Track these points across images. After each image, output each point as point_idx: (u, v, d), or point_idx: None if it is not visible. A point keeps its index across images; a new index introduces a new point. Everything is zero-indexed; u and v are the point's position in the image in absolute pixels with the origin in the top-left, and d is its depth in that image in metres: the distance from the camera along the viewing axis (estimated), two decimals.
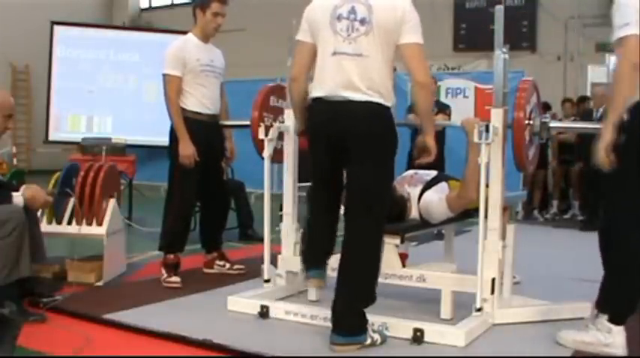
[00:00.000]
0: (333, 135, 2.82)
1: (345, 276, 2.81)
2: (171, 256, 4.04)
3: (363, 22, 2.75)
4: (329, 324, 2.92)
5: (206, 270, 4.32)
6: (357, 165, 2.79)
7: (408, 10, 2.77)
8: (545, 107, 8.09)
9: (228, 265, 4.32)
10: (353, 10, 2.77)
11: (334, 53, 2.79)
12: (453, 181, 3.55)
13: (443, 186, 3.52)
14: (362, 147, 2.76)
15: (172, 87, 3.97)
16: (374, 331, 2.83)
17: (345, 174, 2.91)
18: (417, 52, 2.78)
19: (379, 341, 2.80)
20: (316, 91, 2.87)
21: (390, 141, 2.85)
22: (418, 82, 2.80)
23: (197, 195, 4.20)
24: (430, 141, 2.95)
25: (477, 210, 3.08)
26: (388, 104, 2.81)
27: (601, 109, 7.04)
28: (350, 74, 2.75)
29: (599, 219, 2.96)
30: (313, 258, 3.05)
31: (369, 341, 2.77)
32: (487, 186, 3.08)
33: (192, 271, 4.23)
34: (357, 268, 2.81)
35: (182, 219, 4.12)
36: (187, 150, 3.94)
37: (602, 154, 2.58)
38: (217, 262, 4.32)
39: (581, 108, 8.27)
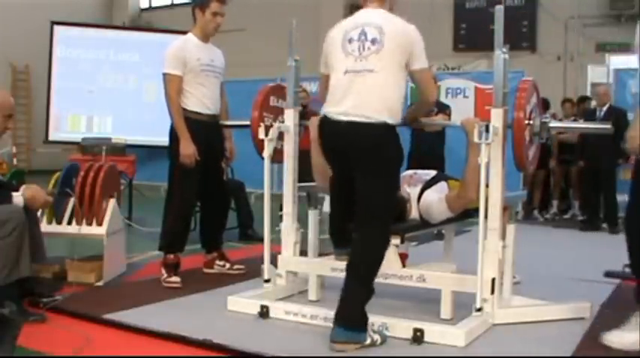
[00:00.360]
0: (337, 150, 3.00)
1: (351, 277, 2.86)
2: (171, 256, 4.04)
3: (374, 41, 2.89)
4: (329, 324, 2.92)
5: (206, 270, 4.32)
6: (361, 178, 2.90)
7: (414, 32, 2.94)
8: (545, 105, 8.11)
9: (228, 265, 4.32)
10: (363, 32, 2.91)
11: (346, 72, 2.93)
12: (453, 181, 3.55)
13: (442, 185, 3.52)
14: (363, 163, 2.89)
15: (173, 86, 3.97)
16: (374, 331, 2.84)
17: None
18: (427, 78, 3.06)
19: (379, 341, 2.82)
20: (326, 108, 3.01)
21: (392, 159, 2.96)
22: (427, 102, 3.18)
23: (197, 195, 4.20)
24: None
25: (476, 210, 3.08)
26: (393, 123, 2.90)
27: (604, 108, 7.04)
28: (359, 93, 2.88)
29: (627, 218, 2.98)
30: (339, 238, 3.31)
31: (368, 341, 2.79)
32: (487, 186, 3.08)
33: (192, 271, 4.23)
34: (363, 270, 2.88)
35: (182, 219, 4.12)
36: (188, 149, 3.94)
37: (635, 142, 2.66)
38: (217, 262, 4.32)
39: (581, 107, 8.27)
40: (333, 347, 2.76)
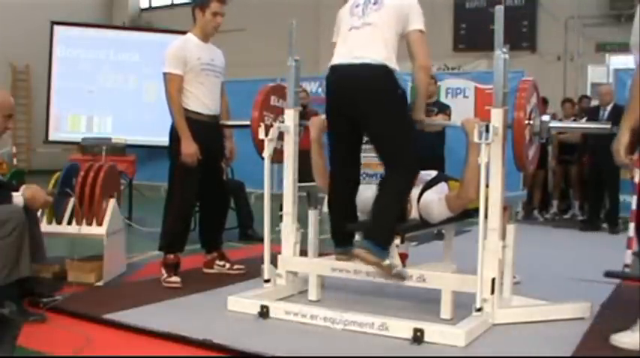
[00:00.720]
0: (343, 98, 3.21)
1: (376, 208, 3.18)
2: (172, 256, 4.03)
3: (375, 2, 3.25)
4: (329, 324, 2.95)
5: (206, 270, 4.31)
6: (374, 122, 3.16)
7: (413, 1, 3.26)
8: (544, 102, 8.10)
9: (228, 265, 4.32)
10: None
11: (350, 29, 3.27)
12: (453, 182, 3.55)
13: (442, 186, 3.52)
14: (373, 102, 3.13)
15: (173, 85, 3.97)
16: (397, 265, 3.15)
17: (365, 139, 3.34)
18: (420, 38, 3.22)
19: (397, 269, 3.13)
20: (332, 61, 3.28)
21: (398, 97, 3.17)
22: (420, 64, 3.24)
23: (197, 194, 4.19)
24: (420, 116, 3.41)
25: (476, 210, 3.08)
26: (392, 67, 3.14)
27: (608, 107, 6.99)
28: (360, 42, 3.19)
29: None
30: (339, 239, 3.46)
31: (387, 262, 3.10)
32: (487, 186, 3.08)
33: (192, 271, 4.23)
34: (387, 199, 3.18)
35: (182, 219, 4.11)
36: (190, 148, 3.93)
37: (620, 156, 2.72)
38: (217, 262, 4.32)
39: (579, 107, 8.28)
40: (357, 252, 3.11)
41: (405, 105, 3.27)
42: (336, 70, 3.26)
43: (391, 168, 3.21)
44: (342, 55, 3.24)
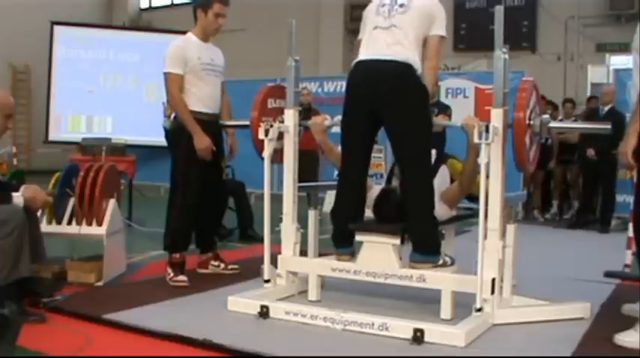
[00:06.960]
0: (366, 84, 3.26)
1: (412, 212, 3.25)
2: (177, 255, 4.03)
3: (402, 5, 3.30)
4: (329, 324, 2.94)
5: (200, 271, 4.30)
6: (394, 115, 3.21)
7: (438, 4, 3.34)
8: (552, 106, 8.11)
9: (222, 265, 4.32)
10: (395, 0, 3.34)
11: (375, 28, 3.33)
12: (453, 160, 3.60)
13: (442, 172, 3.56)
14: (394, 95, 3.18)
15: (174, 85, 3.97)
16: (445, 255, 3.28)
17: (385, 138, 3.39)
18: (439, 44, 3.31)
19: (449, 262, 3.27)
20: (358, 58, 3.35)
21: (418, 87, 3.23)
22: (431, 65, 3.30)
23: (200, 193, 4.17)
24: None
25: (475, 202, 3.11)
26: (415, 68, 3.20)
27: (607, 107, 7.02)
28: (385, 42, 3.26)
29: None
30: (341, 238, 3.46)
31: (441, 261, 3.24)
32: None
33: (191, 271, 4.22)
34: (418, 204, 3.26)
35: (186, 218, 4.09)
36: (203, 143, 3.94)
37: (627, 158, 2.74)
38: (212, 262, 4.32)
39: (587, 107, 8.32)
40: (413, 266, 3.24)
41: (427, 100, 3.29)
42: (360, 64, 3.31)
43: (410, 166, 3.25)
44: (367, 54, 3.29)
